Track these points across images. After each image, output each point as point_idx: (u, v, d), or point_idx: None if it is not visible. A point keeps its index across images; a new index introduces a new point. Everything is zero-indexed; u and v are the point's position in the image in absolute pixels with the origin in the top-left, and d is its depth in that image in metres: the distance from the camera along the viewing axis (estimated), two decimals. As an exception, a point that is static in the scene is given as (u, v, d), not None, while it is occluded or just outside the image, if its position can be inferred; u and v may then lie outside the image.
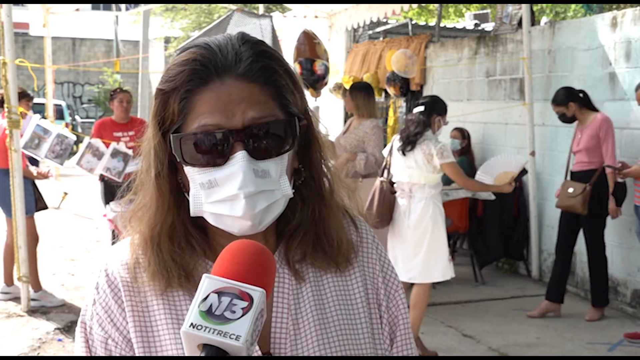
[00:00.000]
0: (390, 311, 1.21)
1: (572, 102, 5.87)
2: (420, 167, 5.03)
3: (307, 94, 7.56)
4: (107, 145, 6.50)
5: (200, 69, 1.06)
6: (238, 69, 1.06)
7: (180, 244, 1.11)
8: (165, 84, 1.09)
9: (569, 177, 6.07)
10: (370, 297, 1.19)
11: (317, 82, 7.36)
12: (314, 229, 1.15)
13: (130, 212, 1.16)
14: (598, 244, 5.91)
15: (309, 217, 1.15)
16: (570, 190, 5.85)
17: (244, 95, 1.05)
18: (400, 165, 5.15)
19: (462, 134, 7.93)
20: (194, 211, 1.08)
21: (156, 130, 1.10)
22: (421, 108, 5.15)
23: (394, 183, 5.27)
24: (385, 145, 5.98)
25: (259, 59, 1.08)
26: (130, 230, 1.15)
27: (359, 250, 1.22)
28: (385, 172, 5.38)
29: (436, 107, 5.18)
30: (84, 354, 1.12)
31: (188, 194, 1.10)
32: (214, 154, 1.05)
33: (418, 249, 5.06)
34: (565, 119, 6.00)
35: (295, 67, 7.18)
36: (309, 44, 7.24)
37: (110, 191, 6.69)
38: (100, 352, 1.11)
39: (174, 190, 1.12)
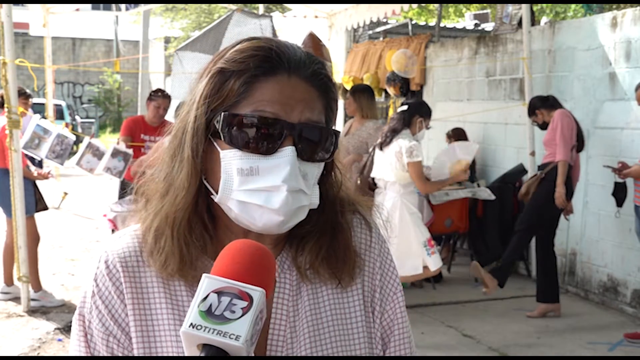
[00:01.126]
0: (385, 314, 1.20)
1: (538, 110, 6.02)
2: (392, 164, 5.12)
3: None
4: (133, 148, 6.49)
5: (274, 57, 1.08)
6: (307, 71, 1.09)
7: (195, 232, 1.10)
8: (230, 64, 1.08)
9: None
10: (366, 302, 1.19)
11: None
12: (325, 240, 1.15)
13: (153, 189, 1.13)
14: (528, 230, 5.97)
15: (322, 229, 1.15)
16: (529, 182, 6.03)
17: (306, 96, 1.08)
18: (378, 162, 5.25)
19: (447, 135, 7.97)
20: (220, 197, 1.07)
21: (204, 108, 1.08)
22: (404, 107, 5.25)
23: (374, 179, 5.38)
24: None
25: (322, 69, 1.12)
26: (149, 207, 1.13)
27: (367, 252, 1.21)
28: (366, 168, 5.48)
29: (420, 109, 5.30)
30: (81, 348, 1.10)
31: (209, 185, 1.09)
32: (265, 141, 1.05)
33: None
34: (540, 126, 6.12)
35: None
36: (315, 47, 7.23)
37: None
38: (101, 348, 1.09)
39: (199, 177, 1.10)
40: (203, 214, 1.11)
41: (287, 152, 1.04)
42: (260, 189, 1.04)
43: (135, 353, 1.09)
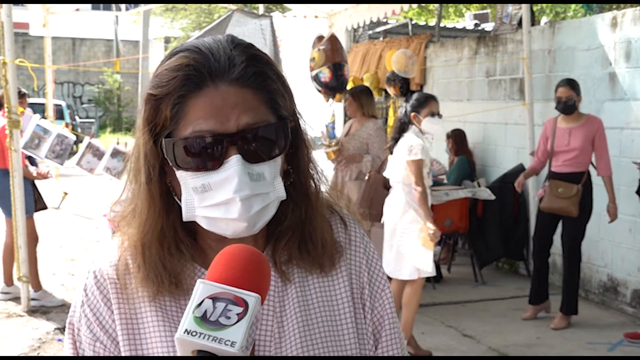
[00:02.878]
0: (375, 310, 1.20)
1: (580, 94, 5.68)
2: (397, 163, 5.05)
3: (328, 99, 7.57)
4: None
5: (193, 74, 1.06)
6: (232, 74, 1.06)
7: (170, 249, 1.11)
8: (157, 89, 1.08)
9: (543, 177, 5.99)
10: (355, 297, 1.19)
11: (343, 86, 7.36)
12: (300, 230, 1.16)
13: (120, 216, 1.16)
14: (578, 247, 5.78)
15: (297, 219, 1.15)
16: (560, 190, 5.65)
17: (238, 100, 1.06)
18: (390, 161, 5.22)
19: (447, 136, 7.96)
20: (186, 216, 1.08)
21: (148, 135, 1.09)
22: (407, 107, 5.15)
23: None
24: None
25: (252, 63, 1.08)
26: (120, 233, 1.15)
27: (347, 249, 1.22)
28: (383, 167, 5.47)
29: (414, 105, 5.11)
30: (71, 355, 1.13)
31: (177, 198, 1.10)
32: (208, 158, 1.05)
33: (391, 246, 5.07)
34: (569, 107, 5.61)
35: (325, 72, 7.16)
36: (334, 49, 7.22)
37: None
38: (88, 353, 1.11)
39: (164, 194, 1.11)
40: (176, 230, 1.12)
41: (232, 163, 1.04)
42: (217, 204, 1.05)
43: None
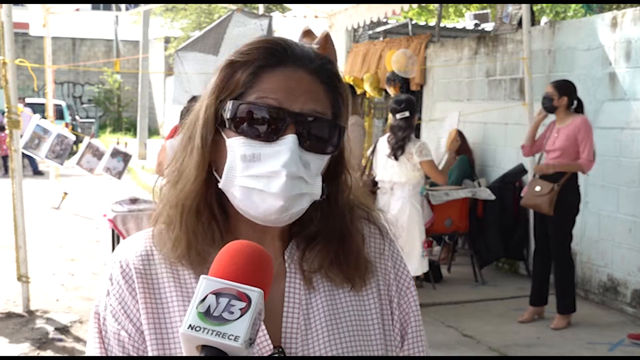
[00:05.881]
0: (401, 308, 1.23)
1: (565, 96, 5.60)
2: (401, 166, 5.23)
3: None
4: None
5: (280, 50, 1.12)
6: (312, 65, 1.13)
7: (202, 221, 1.13)
8: (239, 56, 1.13)
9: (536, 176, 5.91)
10: (382, 294, 1.21)
11: None
12: (335, 246, 1.17)
13: (166, 180, 1.18)
14: (564, 247, 5.71)
15: (331, 233, 1.17)
16: (538, 188, 5.66)
17: (311, 89, 1.11)
18: (382, 164, 5.35)
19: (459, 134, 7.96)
20: (224, 182, 1.10)
21: (214, 99, 1.13)
22: (406, 113, 5.34)
23: (376, 182, 5.45)
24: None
25: (330, 66, 1.16)
26: (162, 196, 1.17)
27: (381, 256, 1.24)
28: (366, 171, 5.58)
29: (415, 108, 5.51)
30: (97, 345, 1.14)
31: (217, 173, 1.12)
32: (267, 128, 1.08)
33: None
34: (549, 105, 5.62)
35: None
36: (328, 48, 7.20)
37: None
38: (114, 344, 1.12)
39: (208, 166, 1.14)
40: (212, 203, 1.14)
41: (288, 140, 1.07)
42: (261, 175, 1.07)
43: (149, 348, 1.11)
